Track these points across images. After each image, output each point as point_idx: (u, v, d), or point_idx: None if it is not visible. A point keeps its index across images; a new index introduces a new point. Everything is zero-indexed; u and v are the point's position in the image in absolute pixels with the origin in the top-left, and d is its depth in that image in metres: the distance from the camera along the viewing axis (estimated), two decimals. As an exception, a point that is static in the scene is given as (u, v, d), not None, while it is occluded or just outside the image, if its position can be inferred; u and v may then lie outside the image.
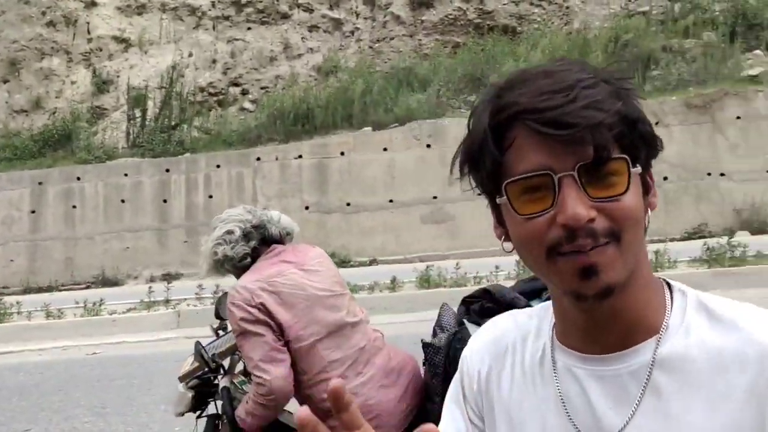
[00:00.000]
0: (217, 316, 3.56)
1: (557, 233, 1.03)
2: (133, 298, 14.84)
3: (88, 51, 27.20)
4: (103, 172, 22.13)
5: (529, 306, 2.75)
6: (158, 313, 13.01)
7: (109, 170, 22.19)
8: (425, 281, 12.89)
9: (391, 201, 20.51)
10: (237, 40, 27.05)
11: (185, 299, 13.49)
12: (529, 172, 1.03)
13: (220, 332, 3.57)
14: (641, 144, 1.07)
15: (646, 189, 1.10)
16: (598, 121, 1.00)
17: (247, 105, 26.02)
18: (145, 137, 24.08)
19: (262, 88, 26.33)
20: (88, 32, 27.31)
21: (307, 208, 20.79)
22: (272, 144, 22.18)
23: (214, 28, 27.38)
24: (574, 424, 1.12)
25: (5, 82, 27.01)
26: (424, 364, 2.99)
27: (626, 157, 1.03)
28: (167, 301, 13.66)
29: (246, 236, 3.14)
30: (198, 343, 3.44)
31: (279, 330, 2.94)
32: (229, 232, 3.13)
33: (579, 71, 1.05)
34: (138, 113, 24.84)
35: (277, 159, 21.28)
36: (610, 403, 1.09)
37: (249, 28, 27.20)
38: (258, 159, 21.47)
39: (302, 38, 27.08)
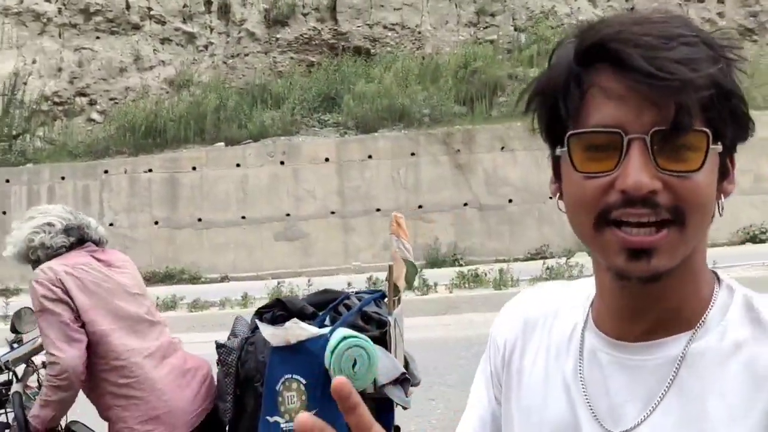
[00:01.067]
0: (13, 330, 3.60)
1: (614, 199, 0.94)
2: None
3: None
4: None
5: (317, 314, 3.02)
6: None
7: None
8: (276, 298, 12.98)
9: (243, 217, 20.42)
10: (85, 48, 26.22)
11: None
12: (598, 126, 0.94)
13: (15, 345, 3.61)
14: (729, 120, 0.96)
15: (724, 173, 1.00)
16: (689, 78, 0.90)
17: (95, 116, 25.23)
18: (-16, 146, 22.95)
19: (111, 99, 25.61)
20: None
21: (156, 223, 20.37)
22: (121, 157, 21.65)
23: (60, 35, 26.42)
24: (592, 410, 1.06)
25: None
26: (217, 364, 3.22)
27: (707, 131, 0.93)
28: (6, 317, 13.12)
29: (66, 231, 3.25)
30: None
31: (77, 312, 3.05)
32: (50, 224, 3.24)
33: (680, 26, 0.95)
34: (-24, 120, 23.64)
35: (126, 172, 20.78)
36: (630, 395, 1.03)
37: (98, 38, 26.42)
38: (106, 171, 20.89)
39: (154, 50, 26.57)
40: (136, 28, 26.61)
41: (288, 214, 20.29)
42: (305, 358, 2.80)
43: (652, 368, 1.02)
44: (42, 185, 20.85)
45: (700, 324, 1.02)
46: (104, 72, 25.97)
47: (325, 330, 2.84)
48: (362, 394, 2.62)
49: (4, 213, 20.66)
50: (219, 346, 3.19)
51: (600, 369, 1.06)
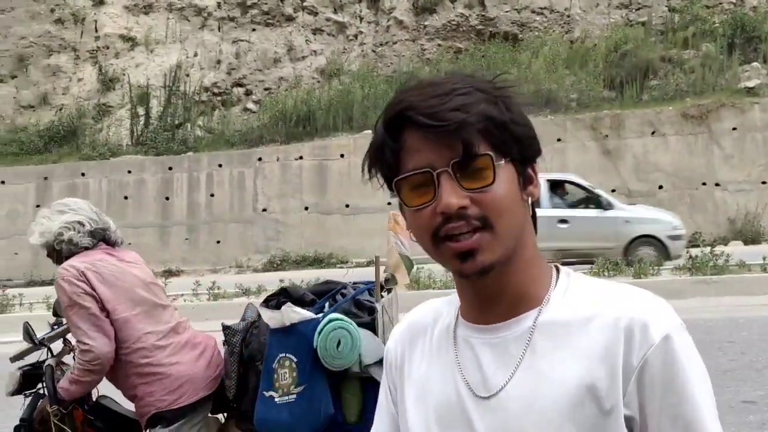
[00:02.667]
0: (54, 314, 3.95)
1: (438, 220, 1.18)
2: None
3: (95, 49, 27.50)
4: (106, 169, 22.45)
5: (316, 301, 3.37)
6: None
7: (112, 167, 22.51)
8: (416, 282, 13.17)
9: (389, 203, 20.76)
10: (242, 41, 27.34)
11: (182, 295, 13.76)
12: (413, 170, 1.20)
13: (55, 327, 3.95)
14: (512, 142, 1.21)
15: (528, 181, 1.26)
16: (462, 119, 1.16)
17: (251, 105, 26.30)
18: (149, 135, 24.35)
19: (265, 89, 26.61)
20: (96, 30, 27.61)
21: (306, 208, 21.06)
22: (274, 145, 22.46)
23: (219, 28, 27.67)
24: (468, 384, 1.27)
25: (13, 77, 27.31)
26: (224, 344, 3.56)
27: (490, 153, 1.18)
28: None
29: (92, 233, 3.56)
30: (26, 323, 3.82)
31: (101, 303, 3.38)
32: (81, 224, 3.53)
33: (458, 82, 1.22)
34: (142, 111, 25.10)
35: (278, 159, 21.56)
36: (497, 364, 1.25)
37: (254, 30, 27.48)
38: (259, 159, 21.76)
39: (306, 41, 27.37)
40: (290, 19, 27.48)
41: (433, 201, 20.42)
42: (297, 338, 3.11)
43: (511, 340, 1.25)
44: (201, 172, 21.96)
45: (546, 300, 1.26)
46: (259, 63, 26.99)
47: (317, 315, 3.16)
48: (348, 372, 3.05)
49: (167, 199, 21.92)
50: (225, 328, 3.55)
51: (472, 350, 1.29)
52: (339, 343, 3.01)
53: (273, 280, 12.65)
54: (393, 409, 1.45)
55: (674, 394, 1.17)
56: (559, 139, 20.35)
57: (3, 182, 22.30)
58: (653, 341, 1.17)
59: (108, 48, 27.45)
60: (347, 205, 20.92)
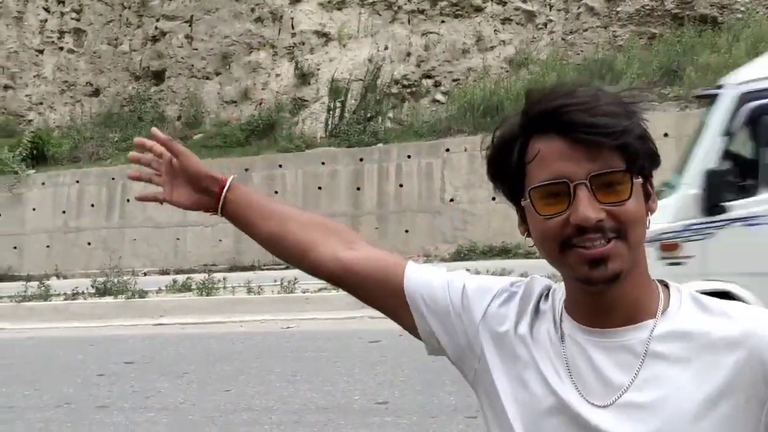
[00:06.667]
0: None
1: (570, 230, 1.22)
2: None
3: (291, 45, 28.73)
4: (302, 161, 23.43)
5: None
6: (345, 294, 13.79)
7: (307, 159, 23.46)
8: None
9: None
10: (431, 33, 27.66)
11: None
12: (550, 180, 1.23)
13: None
14: (645, 157, 1.25)
15: (647, 195, 1.28)
16: (612, 130, 1.19)
17: (439, 97, 26.58)
18: (342, 128, 25.14)
19: (453, 81, 26.80)
20: (292, 27, 28.82)
21: (493, 199, 21.03)
22: (461, 135, 22.59)
23: (409, 21, 28.12)
24: (575, 385, 1.28)
25: (217, 74, 29.05)
26: None
27: (629, 169, 1.21)
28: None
29: None
30: None
31: None
32: None
33: (599, 91, 1.24)
34: (337, 105, 25.95)
35: (465, 150, 21.69)
36: (613, 366, 1.26)
37: (443, 21, 27.71)
38: (447, 150, 21.98)
39: (495, 31, 27.30)
40: (479, 10, 27.49)
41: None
42: None
43: (628, 346, 1.27)
44: (391, 163, 22.47)
45: (661, 311, 1.28)
46: (448, 54, 27.21)
47: None
48: None
49: (358, 189, 22.60)
50: None
51: (582, 350, 1.30)
52: None
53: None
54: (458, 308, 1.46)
55: None
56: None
57: (209, 173, 23.81)
58: None
59: (303, 44, 28.59)
60: (535, 196, 20.66)
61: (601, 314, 1.29)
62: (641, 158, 1.24)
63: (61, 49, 31.21)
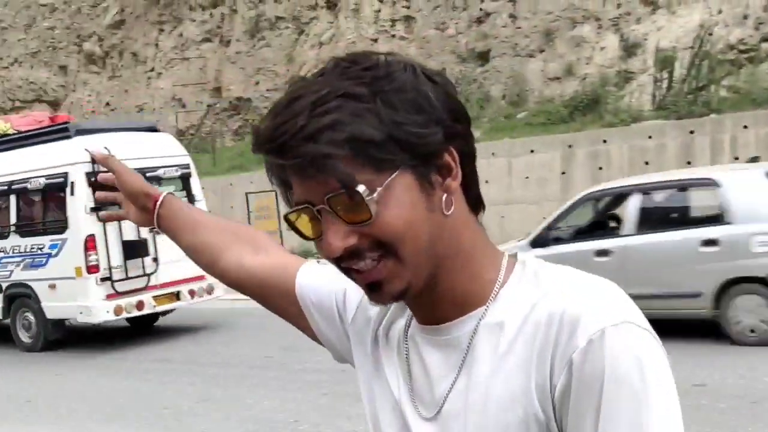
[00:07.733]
0: None
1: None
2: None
3: (616, 16, 27.97)
4: (627, 135, 22.77)
5: None
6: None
7: (633, 133, 22.77)
8: None
9: None
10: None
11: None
12: (296, 206, 1.05)
13: None
14: (398, 152, 1.00)
15: (440, 177, 1.04)
16: (315, 153, 0.97)
17: (782, 60, 24.39)
18: (670, 99, 24.09)
19: (799, 42, 24.44)
20: (618, -3, 28.08)
21: None
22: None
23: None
24: (411, 392, 1.15)
25: (541, 51, 29.14)
26: None
27: (357, 187, 0.98)
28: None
29: None
30: None
31: None
32: None
33: (323, 89, 1.00)
34: (665, 75, 24.90)
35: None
36: (442, 370, 1.11)
37: (787, -23, 25.34)
38: (791, 118, 20.19)
39: None
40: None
41: None
42: None
43: (456, 343, 1.10)
44: (724, 135, 21.11)
45: (492, 299, 1.08)
46: (793, 13, 24.87)
47: None
48: None
49: (689, 163, 21.51)
50: None
51: (419, 351, 1.15)
52: None
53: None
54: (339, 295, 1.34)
55: (580, 416, 0.96)
56: None
57: (532, 151, 23.99)
58: (577, 345, 0.97)
59: (629, 14, 27.70)
60: None
61: (427, 313, 1.14)
62: (390, 154, 0.99)
63: (393, 36, 33.18)
